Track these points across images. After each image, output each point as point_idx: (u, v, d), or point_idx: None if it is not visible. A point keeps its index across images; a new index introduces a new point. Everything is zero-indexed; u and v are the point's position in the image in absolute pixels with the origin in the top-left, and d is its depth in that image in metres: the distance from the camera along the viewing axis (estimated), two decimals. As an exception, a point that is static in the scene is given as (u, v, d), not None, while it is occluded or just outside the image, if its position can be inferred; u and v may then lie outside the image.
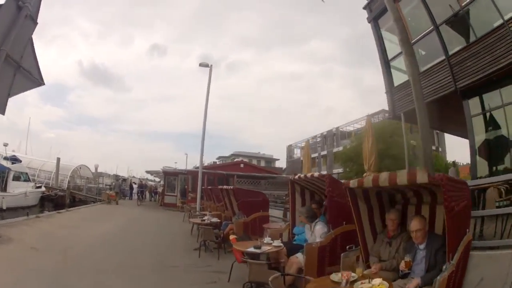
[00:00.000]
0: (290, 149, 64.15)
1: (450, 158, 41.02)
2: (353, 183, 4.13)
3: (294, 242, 5.85)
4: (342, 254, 3.83)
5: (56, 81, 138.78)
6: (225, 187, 11.15)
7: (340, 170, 45.03)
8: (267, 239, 5.67)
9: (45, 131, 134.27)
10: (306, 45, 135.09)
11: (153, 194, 35.39)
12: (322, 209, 5.94)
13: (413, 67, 7.30)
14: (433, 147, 44.96)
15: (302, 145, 61.49)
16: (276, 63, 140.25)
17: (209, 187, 17.37)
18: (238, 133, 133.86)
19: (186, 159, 57.62)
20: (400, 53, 11.30)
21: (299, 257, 5.09)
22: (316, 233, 5.28)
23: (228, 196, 10.84)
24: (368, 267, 4.10)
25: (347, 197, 4.32)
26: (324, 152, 51.96)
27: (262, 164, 63.08)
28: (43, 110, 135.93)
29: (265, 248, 5.19)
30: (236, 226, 8.43)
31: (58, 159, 29.93)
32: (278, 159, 70.49)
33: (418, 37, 10.61)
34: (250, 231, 8.27)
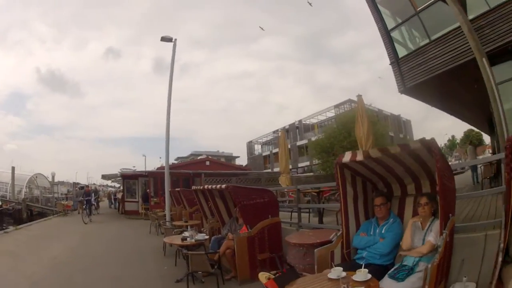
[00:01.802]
0: (250, 146, 62.83)
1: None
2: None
3: (359, 261, 3.78)
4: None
5: (15, 90, 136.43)
6: (213, 186, 7.32)
7: (307, 163, 44.43)
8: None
9: (7, 142, 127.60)
10: (257, 43, 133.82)
11: (112, 201, 31.98)
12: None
13: (463, 15, 5.70)
14: (401, 135, 45.88)
15: (263, 141, 61.33)
16: (227, 62, 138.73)
17: (177, 189, 14.90)
18: (193, 134, 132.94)
19: (144, 161, 53.75)
20: (400, 24, 10.94)
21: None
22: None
23: (207, 198, 8.25)
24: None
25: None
26: (288, 146, 50.60)
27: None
28: (3, 120, 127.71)
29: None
30: (238, 244, 5.76)
31: (13, 168, 25.70)
32: (238, 157, 68.64)
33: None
34: (257, 248, 5.95)
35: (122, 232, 14.21)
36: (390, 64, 11.25)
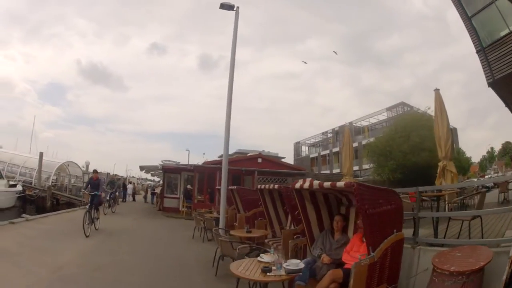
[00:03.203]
0: (297, 147, 60.83)
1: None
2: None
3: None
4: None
5: (54, 81, 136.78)
6: (304, 185, 4.78)
7: (357, 168, 41.56)
8: None
9: (44, 130, 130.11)
10: (302, 44, 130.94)
11: (147, 196, 30.90)
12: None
13: None
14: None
15: (311, 142, 59.14)
16: (272, 61, 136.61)
17: (232, 186, 12.34)
18: (236, 133, 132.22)
19: (188, 156, 52.82)
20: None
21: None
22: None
23: (273, 200, 6.97)
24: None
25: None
26: (337, 149, 48.01)
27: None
28: (41, 110, 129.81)
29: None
30: (356, 275, 3.38)
31: (41, 154, 25.19)
32: (284, 157, 66.53)
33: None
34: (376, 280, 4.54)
35: (158, 233, 12.18)
36: (476, 53, 10.25)
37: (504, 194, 11.14)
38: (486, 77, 9.69)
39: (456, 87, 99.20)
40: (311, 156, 55.94)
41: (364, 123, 46.09)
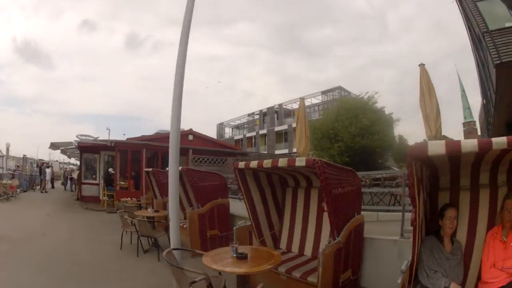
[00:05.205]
0: (220, 128, 58.54)
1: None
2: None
3: None
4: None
5: None
6: None
7: (286, 151, 41.05)
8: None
9: None
10: (231, 28, 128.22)
11: (67, 181, 26.08)
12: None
13: None
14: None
15: (235, 123, 57.41)
16: (198, 44, 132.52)
17: (147, 169, 11.30)
18: (156, 114, 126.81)
19: (108, 136, 47.17)
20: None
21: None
22: None
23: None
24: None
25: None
26: (264, 131, 47.05)
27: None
28: None
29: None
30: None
31: None
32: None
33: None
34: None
35: (72, 242, 8.04)
36: (483, 34, 10.30)
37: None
38: (493, 58, 9.46)
39: (385, 83, 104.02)
40: (236, 138, 54.05)
41: (295, 106, 45.47)
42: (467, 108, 67.12)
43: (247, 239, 4.81)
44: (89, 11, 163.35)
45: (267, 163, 4.13)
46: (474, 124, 60.76)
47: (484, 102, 16.91)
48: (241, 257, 3.41)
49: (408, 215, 4.77)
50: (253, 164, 4.33)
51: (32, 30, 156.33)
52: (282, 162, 3.94)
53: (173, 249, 4.00)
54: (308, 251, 4.76)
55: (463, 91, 63.27)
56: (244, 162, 4.53)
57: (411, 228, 4.40)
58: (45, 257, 6.59)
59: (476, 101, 72.42)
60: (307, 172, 4.67)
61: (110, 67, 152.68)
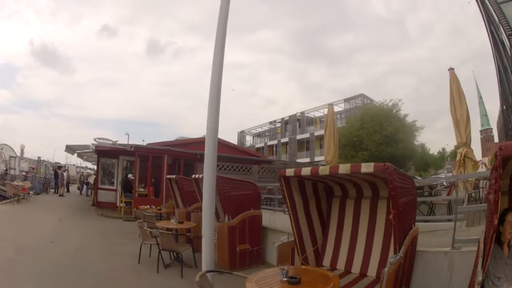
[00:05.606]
0: (241, 136, 58.14)
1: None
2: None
3: None
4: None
5: (7, 61, 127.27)
6: None
7: (308, 160, 40.10)
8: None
9: None
10: (253, 35, 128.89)
11: (82, 185, 25.54)
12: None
13: None
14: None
15: (256, 131, 56.87)
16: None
17: (170, 176, 10.43)
18: (176, 120, 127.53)
19: (127, 140, 46.90)
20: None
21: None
22: None
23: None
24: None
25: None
26: (286, 139, 46.21)
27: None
28: None
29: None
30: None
31: None
32: (228, 147, 63.99)
33: None
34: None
35: (86, 253, 7.16)
36: (508, 38, 10.49)
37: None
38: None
39: (403, 89, 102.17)
40: (257, 146, 53.40)
41: (318, 114, 44.46)
42: (484, 115, 64.90)
43: (289, 256, 4.26)
44: (109, 16, 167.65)
45: (323, 170, 3.69)
46: (491, 132, 60.00)
47: (504, 107, 16.20)
48: (294, 282, 2.87)
49: (458, 224, 4.62)
50: (305, 171, 3.81)
51: (50, 34, 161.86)
52: (343, 169, 3.44)
53: (208, 271, 3.34)
54: (356, 268, 4.27)
55: (480, 97, 60.49)
56: (292, 169, 4.02)
57: (461, 238, 4.19)
58: (52, 266, 5.96)
59: (492, 108, 70.10)
60: (358, 179, 4.22)
61: (130, 73, 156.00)
